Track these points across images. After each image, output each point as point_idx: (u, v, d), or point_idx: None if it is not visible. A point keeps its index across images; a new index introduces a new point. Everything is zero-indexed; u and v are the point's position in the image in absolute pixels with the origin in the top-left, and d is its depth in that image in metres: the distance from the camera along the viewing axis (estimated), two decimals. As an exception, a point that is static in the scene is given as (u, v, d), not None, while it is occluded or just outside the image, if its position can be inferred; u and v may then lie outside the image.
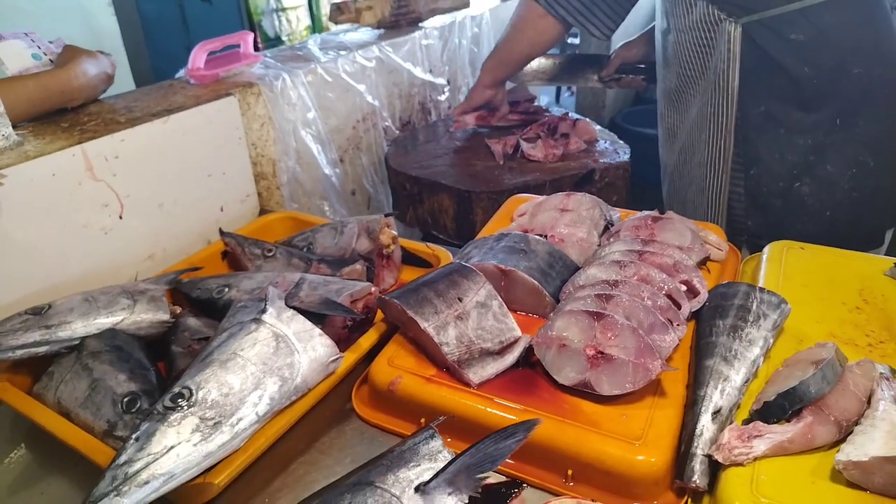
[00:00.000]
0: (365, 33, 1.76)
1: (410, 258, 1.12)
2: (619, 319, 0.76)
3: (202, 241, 1.20)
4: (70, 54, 1.10)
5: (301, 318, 0.80)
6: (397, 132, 1.78)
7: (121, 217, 1.04)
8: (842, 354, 0.73)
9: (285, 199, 1.40)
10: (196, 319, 0.94)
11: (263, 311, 0.79)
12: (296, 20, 5.04)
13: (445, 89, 1.98)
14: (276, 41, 4.80)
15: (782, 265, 0.94)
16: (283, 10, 4.84)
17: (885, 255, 1.31)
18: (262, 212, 1.33)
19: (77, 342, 0.85)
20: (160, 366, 0.87)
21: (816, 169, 1.22)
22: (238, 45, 1.36)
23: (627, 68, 1.72)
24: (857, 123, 1.19)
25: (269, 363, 0.74)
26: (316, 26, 5.24)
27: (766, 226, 1.29)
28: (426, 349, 0.83)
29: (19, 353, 0.82)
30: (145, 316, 0.90)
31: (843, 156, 1.21)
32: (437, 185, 1.40)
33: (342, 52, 1.53)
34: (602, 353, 0.75)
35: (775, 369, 0.76)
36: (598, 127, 1.60)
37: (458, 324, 0.82)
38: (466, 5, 1.99)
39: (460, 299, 0.84)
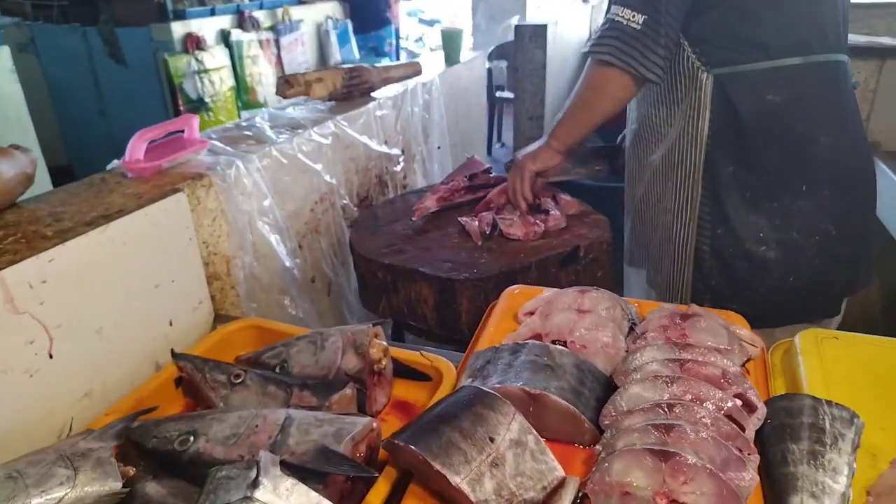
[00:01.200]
0: (315, 107, 1.64)
1: (402, 370, 0.98)
2: (691, 458, 0.64)
3: (149, 365, 1.01)
4: (-21, 154, 0.91)
5: (303, 488, 0.64)
6: (355, 209, 1.65)
7: (50, 354, 0.84)
8: (930, 475, 0.65)
9: (241, 299, 1.23)
10: (157, 485, 0.75)
11: (255, 484, 0.63)
12: (219, 81, 4.85)
13: (400, 160, 1.87)
14: (198, 103, 4.59)
15: (820, 360, 0.86)
16: (206, 71, 4.65)
17: (840, 324, 1.31)
18: (217, 318, 1.15)
19: (0, 540, 0.65)
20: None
21: (782, 234, 1.21)
22: (181, 131, 1.20)
23: None
24: (823, 192, 1.20)
25: (270, 561, 0.57)
26: (240, 86, 5.08)
27: (731, 287, 1.27)
28: (457, 506, 0.69)
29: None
30: (91, 489, 0.71)
31: (808, 223, 1.21)
32: (414, 273, 1.27)
33: (297, 131, 1.40)
34: (676, 501, 0.63)
35: (863, 500, 0.67)
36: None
37: (493, 473, 0.68)
38: (419, 73, 1.91)
39: (492, 439, 0.71)
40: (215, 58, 4.72)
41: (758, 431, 0.73)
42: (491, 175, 1.66)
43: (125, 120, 4.74)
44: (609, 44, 1.18)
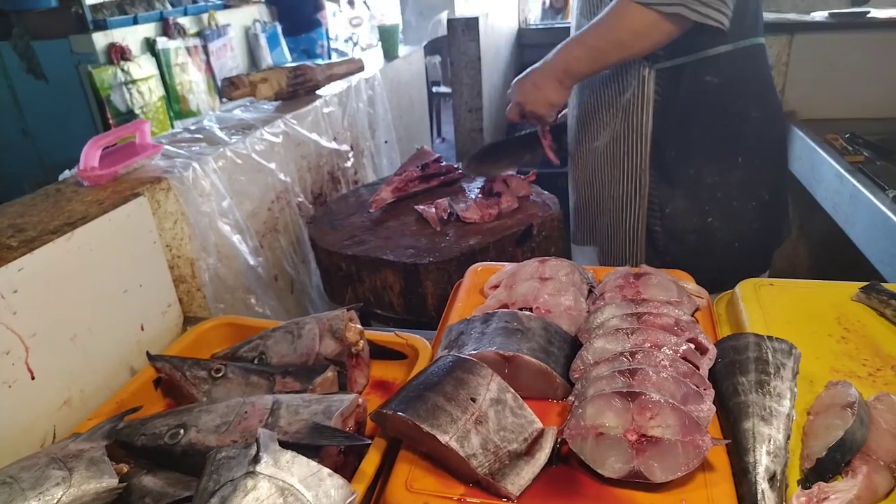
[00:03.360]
0: (262, 107, 1.65)
1: (378, 351, 1.02)
2: (655, 396, 0.71)
3: (125, 370, 1.01)
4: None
5: (303, 459, 0.67)
6: (311, 207, 1.66)
7: (27, 363, 0.84)
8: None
9: (209, 301, 1.23)
10: (153, 477, 0.76)
11: (256, 459, 0.66)
12: (148, 92, 4.70)
13: (350, 155, 1.90)
14: (129, 115, 4.44)
15: (760, 305, 0.96)
16: (133, 82, 4.50)
17: (768, 273, 1.44)
18: (186, 320, 1.16)
19: (1, 545, 0.66)
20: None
21: (724, 205, 1.32)
22: (133, 137, 1.20)
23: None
24: (755, 162, 1.31)
25: (281, 527, 0.61)
26: (171, 95, 4.94)
27: (683, 259, 1.35)
28: (448, 464, 0.74)
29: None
30: (87, 487, 0.72)
31: (746, 191, 1.32)
32: (378, 261, 1.31)
33: (248, 131, 1.41)
34: (645, 436, 0.70)
35: (804, 419, 0.75)
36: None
37: (478, 429, 0.73)
38: (361, 69, 1.94)
39: (473, 399, 0.76)
40: (142, 68, 4.58)
41: (711, 370, 0.81)
42: (442, 164, 1.71)
43: (51, 138, 4.53)
44: None
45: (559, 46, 1.30)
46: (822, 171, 1.93)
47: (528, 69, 1.37)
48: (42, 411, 0.87)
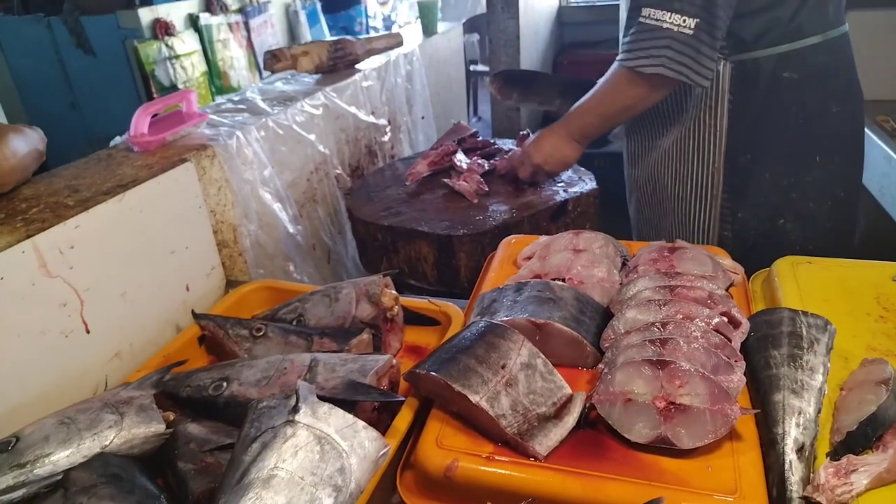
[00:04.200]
0: (303, 80, 1.67)
1: (412, 317, 1.04)
2: (685, 365, 0.72)
3: (171, 328, 1.06)
4: (-7, 132, 0.95)
5: (339, 411, 0.70)
6: (348, 179, 1.69)
7: (82, 315, 0.89)
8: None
9: (249, 266, 1.28)
10: (197, 425, 0.81)
11: (296, 409, 0.69)
12: (191, 67, 4.79)
13: (387, 129, 1.92)
14: (172, 90, 4.53)
15: (797, 282, 0.95)
16: (177, 57, 4.58)
17: None
18: (229, 283, 1.20)
19: (60, 477, 0.70)
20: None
21: (798, 205, 1.26)
22: (180, 105, 1.23)
23: None
24: (833, 159, 1.24)
25: (318, 473, 0.64)
26: (213, 71, 5.02)
27: (752, 263, 1.29)
28: (478, 424, 0.76)
29: (-11, 504, 0.67)
30: (137, 431, 0.77)
31: (822, 191, 1.26)
32: (414, 233, 1.33)
33: (289, 103, 1.44)
34: (674, 403, 0.70)
35: (837, 395, 0.75)
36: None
37: (508, 391, 0.75)
38: (401, 43, 1.95)
39: (504, 363, 0.78)
40: (185, 43, 4.65)
41: (743, 343, 0.81)
42: (479, 139, 1.72)
43: (98, 111, 4.66)
44: (658, 55, 1.11)
45: (572, 111, 1.33)
46: (870, 153, 1.87)
47: (539, 133, 1.40)
48: (95, 362, 0.92)
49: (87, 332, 0.91)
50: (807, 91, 1.19)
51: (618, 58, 1.20)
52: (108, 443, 0.74)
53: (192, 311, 1.02)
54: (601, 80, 1.27)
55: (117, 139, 1.19)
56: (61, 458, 0.71)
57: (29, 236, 0.82)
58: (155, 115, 1.17)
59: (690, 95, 1.26)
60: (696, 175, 1.30)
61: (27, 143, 0.98)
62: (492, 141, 1.74)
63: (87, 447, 0.73)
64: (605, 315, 0.89)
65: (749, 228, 1.29)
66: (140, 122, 1.13)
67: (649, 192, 1.43)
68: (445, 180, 1.49)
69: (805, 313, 0.81)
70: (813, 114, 1.21)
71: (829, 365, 0.76)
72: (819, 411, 0.72)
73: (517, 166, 1.44)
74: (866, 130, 1.91)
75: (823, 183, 1.25)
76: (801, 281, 0.95)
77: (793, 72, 1.17)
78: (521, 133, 1.65)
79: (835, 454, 0.68)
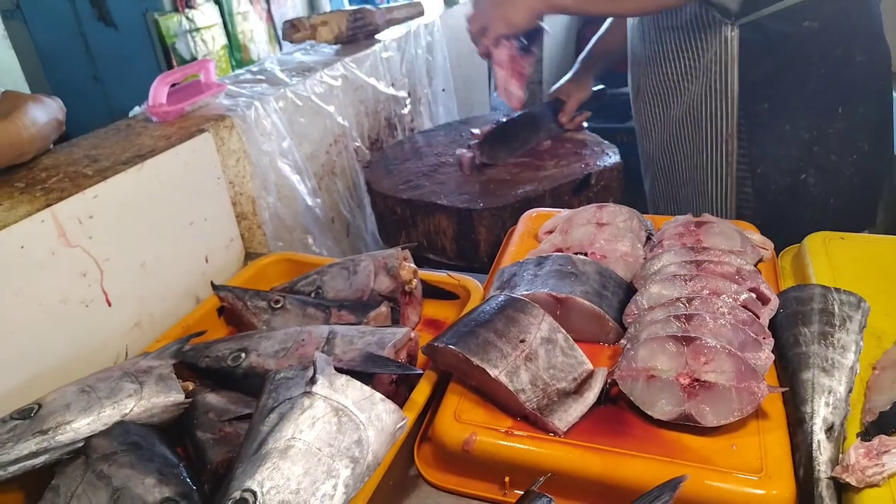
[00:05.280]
0: (322, 50, 1.65)
1: (430, 291, 1.03)
2: (710, 341, 0.70)
3: (190, 300, 1.06)
4: (13, 101, 0.94)
5: (357, 383, 0.69)
6: (367, 152, 1.67)
7: (102, 285, 0.89)
8: (930, 349, 0.71)
9: (268, 238, 1.27)
10: (216, 395, 0.81)
11: (313, 380, 0.68)
12: (211, 40, 4.78)
13: (407, 102, 1.89)
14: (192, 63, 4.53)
15: (828, 258, 0.91)
16: (197, 30, 4.57)
17: (878, 231, 1.34)
18: (247, 256, 1.20)
19: (81, 444, 0.71)
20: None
21: (821, 159, 1.22)
22: (198, 75, 1.22)
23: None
24: (857, 111, 1.20)
25: (335, 444, 0.63)
26: (233, 44, 5.01)
27: (776, 221, 1.26)
28: (496, 398, 0.75)
29: (13, 469, 0.68)
30: (157, 400, 0.77)
31: (845, 143, 1.22)
32: (433, 206, 1.31)
33: (307, 74, 1.42)
34: (698, 380, 0.69)
35: (869, 374, 0.73)
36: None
37: (528, 366, 0.74)
38: (421, 13, 1.91)
39: (524, 337, 0.76)
40: (206, 15, 4.63)
41: (771, 321, 0.79)
42: None
43: (119, 84, 4.68)
44: None
45: None
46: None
47: None
48: (115, 331, 0.93)
49: (108, 301, 0.91)
50: (827, 39, 1.15)
51: None
52: (128, 411, 0.75)
53: (212, 283, 1.02)
54: None
55: (136, 109, 1.19)
56: (82, 425, 0.72)
57: (48, 205, 0.82)
58: (174, 85, 1.16)
59: (698, 63, 1.23)
60: (710, 141, 1.27)
61: (47, 112, 0.98)
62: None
63: (108, 415, 0.73)
64: (629, 290, 0.87)
65: (770, 183, 1.25)
66: (158, 91, 1.12)
67: (665, 165, 1.41)
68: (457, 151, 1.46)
69: (837, 290, 0.78)
70: (836, 64, 1.17)
71: (861, 343, 0.74)
72: (850, 391, 0.70)
73: (475, 32, 1.27)
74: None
75: (846, 135, 1.21)
76: (834, 257, 0.92)
77: (812, 20, 1.13)
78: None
79: (866, 434, 0.66)
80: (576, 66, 1.62)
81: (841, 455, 0.64)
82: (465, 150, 1.43)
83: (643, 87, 1.39)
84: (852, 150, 1.22)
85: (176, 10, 4.58)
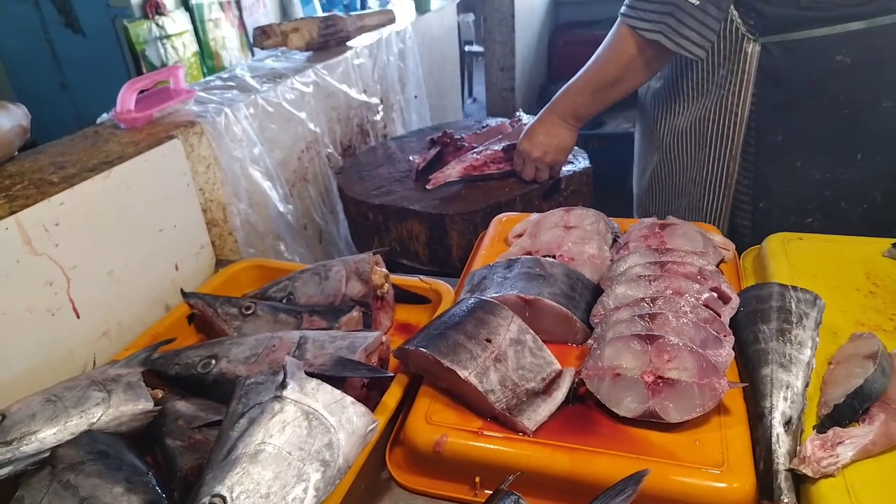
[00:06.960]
0: (293, 57, 1.65)
1: (402, 295, 1.04)
2: (673, 339, 0.72)
3: (160, 307, 1.05)
4: (-24, 108, 0.93)
5: (327, 387, 0.69)
6: (340, 158, 1.68)
7: (68, 293, 0.88)
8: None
9: (240, 245, 1.27)
10: (186, 403, 0.80)
11: (283, 385, 0.68)
12: (182, 47, 4.73)
13: (380, 108, 1.90)
14: (163, 70, 4.47)
15: (787, 258, 0.94)
16: (168, 37, 4.52)
17: None
18: (218, 263, 1.20)
19: (47, 455, 0.70)
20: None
21: (830, 205, 1.17)
22: (168, 81, 1.22)
23: None
24: (876, 159, 1.14)
25: (305, 448, 0.64)
26: (204, 51, 4.96)
27: None
28: (466, 400, 0.76)
29: (-24, 481, 0.67)
30: (125, 408, 0.76)
31: (858, 192, 1.17)
32: (406, 212, 1.32)
33: (279, 80, 1.42)
34: (662, 377, 0.70)
35: (824, 369, 0.75)
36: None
37: (497, 367, 0.75)
38: (393, 20, 1.92)
39: (493, 339, 0.77)
40: (176, 22, 4.58)
41: (733, 319, 0.81)
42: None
43: (88, 92, 4.60)
44: (660, 20, 1.07)
45: (560, 94, 1.28)
46: None
47: (529, 124, 1.34)
48: (83, 340, 0.92)
49: (74, 310, 0.90)
50: (856, 80, 1.09)
51: (621, 10, 1.14)
52: (95, 420, 0.74)
53: (182, 290, 1.01)
54: (601, 46, 1.21)
55: (104, 116, 1.18)
56: (48, 435, 0.71)
57: (13, 213, 0.81)
58: (142, 92, 1.15)
59: (713, 74, 1.19)
60: (712, 158, 1.23)
61: (10, 119, 0.97)
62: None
63: (75, 425, 0.73)
64: (596, 291, 0.89)
65: (771, 220, 1.20)
66: (126, 98, 1.11)
67: (664, 174, 1.37)
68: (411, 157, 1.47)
69: (795, 288, 0.81)
70: (859, 107, 1.11)
71: (817, 339, 0.76)
72: (807, 385, 0.72)
73: (519, 169, 1.37)
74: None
75: (861, 183, 1.16)
76: (792, 257, 0.95)
77: (846, 55, 1.07)
78: (516, 114, 1.62)
79: (821, 427, 0.68)
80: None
81: (798, 447, 0.66)
82: (413, 157, 1.43)
83: (653, 87, 1.36)
84: (864, 199, 1.17)
85: (146, 16, 4.52)
